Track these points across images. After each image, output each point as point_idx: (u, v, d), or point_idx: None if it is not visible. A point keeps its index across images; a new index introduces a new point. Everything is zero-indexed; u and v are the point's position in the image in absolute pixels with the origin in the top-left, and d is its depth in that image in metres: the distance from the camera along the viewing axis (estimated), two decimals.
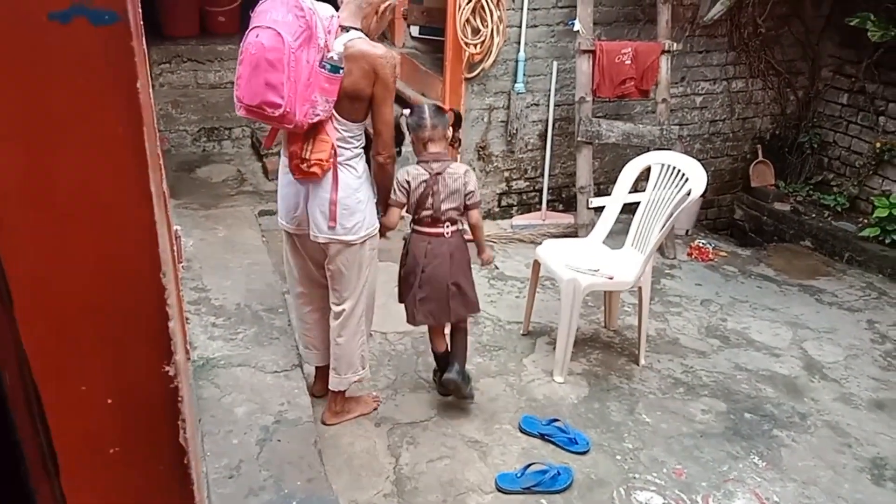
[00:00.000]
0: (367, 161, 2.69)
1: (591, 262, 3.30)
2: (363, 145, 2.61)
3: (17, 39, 0.56)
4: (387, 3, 2.55)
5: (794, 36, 5.16)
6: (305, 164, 2.45)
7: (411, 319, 2.98)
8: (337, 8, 2.51)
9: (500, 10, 4.19)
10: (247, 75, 2.29)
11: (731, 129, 5.33)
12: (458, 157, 3.49)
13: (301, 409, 2.86)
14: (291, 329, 3.41)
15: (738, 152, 5.45)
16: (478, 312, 3.10)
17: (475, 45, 4.24)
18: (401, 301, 3.03)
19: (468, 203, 2.86)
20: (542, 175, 4.81)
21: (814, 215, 5.07)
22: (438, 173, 2.78)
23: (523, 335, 3.63)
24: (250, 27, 2.32)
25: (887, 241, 4.54)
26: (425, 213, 2.81)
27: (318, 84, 2.32)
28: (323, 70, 2.32)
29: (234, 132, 5.63)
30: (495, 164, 4.74)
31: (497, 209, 4.88)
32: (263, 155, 5.15)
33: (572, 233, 4.59)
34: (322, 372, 2.99)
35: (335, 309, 2.76)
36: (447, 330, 3.03)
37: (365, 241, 2.65)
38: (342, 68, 2.36)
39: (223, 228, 4.32)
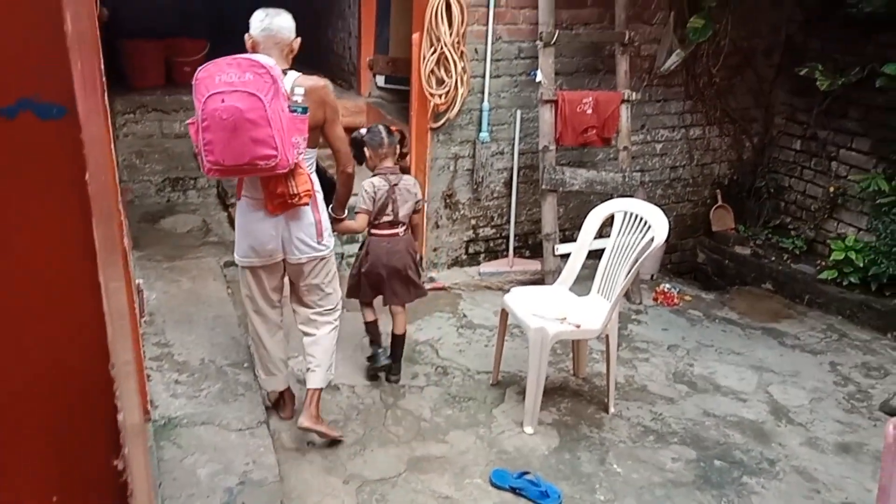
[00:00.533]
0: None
1: (558, 310, 3.31)
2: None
3: None
4: (296, 40, 2.77)
5: (748, 85, 5.35)
6: (296, 199, 2.68)
7: (386, 301, 3.50)
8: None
9: (463, 61, 4.27)
10: (224, 139, 2.43)
11: (690, 174, 5.47)
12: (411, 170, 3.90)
13: (267, 469, 2.77)
14: (257, 384, 3.34)
15: (698, 197, 5.58)
16: (426, 295, 3.68)
17: (440, 96, 4.31)
18: (353, 296, 3.50)
19: (416, 208, 3.43)
20: (508, 222, 4.85)
21: (773, 258, 5.18)
22: (395, 184, 3.31)
23: (493, 385, 3.61)
24: (206, 94, 2.43)
25: (845, 283, 4.65)
26: (385, 218, 3.33)
27: (295, 127, 2.56)
28: (295, 113, 2.56)
29: (199, 182, 5.58)
30: (462, 211, 4.77)
31: (465, 256, 4.90)
32: (229, 205, 5.10)
33: (539, 279, 4.62)
34: (287, 394, 3.21)
35: (322, 318, 3.04)
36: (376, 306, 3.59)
37: (332, 252, 2.99)
38: (307, 108, 2.62)
39: (187, 280, 4.24)
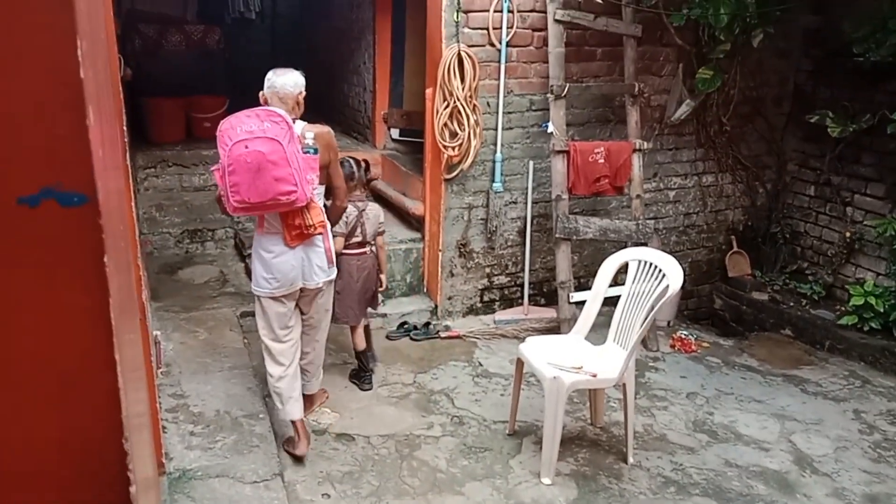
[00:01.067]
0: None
1: (574, 359, 3.29)
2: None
3: None
4: (300, 94, 3.11)
5: (759, 132, 5.39)
6: (312, 229, 3.06)
7: (354, 321, 3.91)
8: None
9: (475, 114, 4.36)
10: (248, 180, 2.81)
11: (704, 221, 5.47)
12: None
13: None
14: (272, 435, 3.33)
15: (713, 243, 5.57)
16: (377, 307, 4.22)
17: (453, 148, 4.39)
18: (342, 321, 3.90)
19: (379, 230, 3.90)
20: (522, 270, 4.87)
21: (792, 304, 5.13)
22: (363, 210, 3.78)
23: (509, 435, 3.57)
24: (231, 143, 2.81)
25: (866, 328, 4.59)
26: (355, 238, 3.78)
27: (308, 166, 2.96)
28: (308, 154, 2.97)
29: (216, 233, 5.67)
30: (476, 260, 4.80)
31: (479, 304, 4.91)
32: (246, 256, 5.17)
33: (555, 327, 4.61)
34: (300, 425, 3.32)
35: (317, 335, 3.49)
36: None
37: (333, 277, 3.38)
38: (318, 149, 3.05)
39: (204, 331, 4.28)
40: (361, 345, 3.96)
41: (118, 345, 0.63)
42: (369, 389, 3.93)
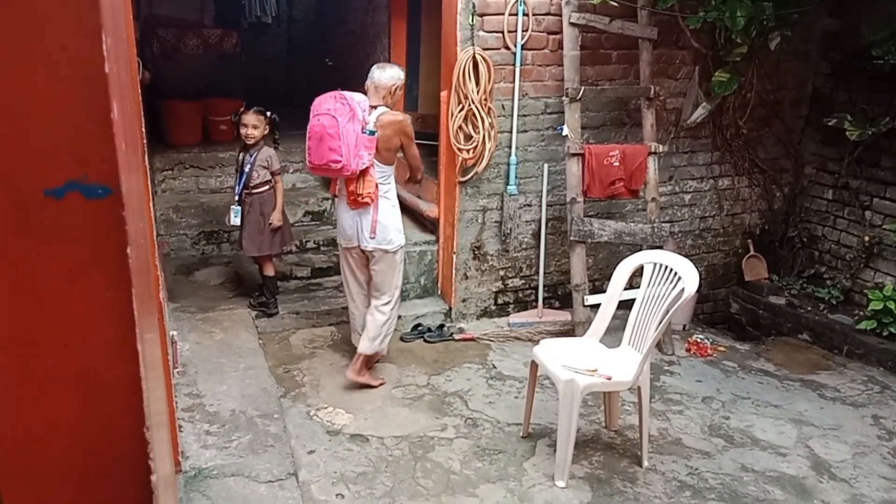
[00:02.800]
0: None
1: (588, 362, 3.28)
2: (393, 183, 3.78)
3: (12, 214, 0.60)
4: (394, 86, 3.66)
5: (776, 136, 5.35)
6: (360, 197, 3.60)
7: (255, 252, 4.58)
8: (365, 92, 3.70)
9: (490, 117, 4.37)
10: (314, 146, 3.52)
11: (721, 225, 5.44)
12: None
13: None
14: (286, 435, 3.35)
15: (729, 247, 5.53)
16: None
17: (468, 151, 4.39)
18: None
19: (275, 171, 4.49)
20: (537, 273, 4.86)
21: (809, 308, 5.08)
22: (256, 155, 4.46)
23: (523, 437, 3.56)
24: (312, 115, 3.55)
25: (885, 333, 4.54)
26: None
27: (363, 144, 3.50)
28: (364, 134, 3.50)
29: (233, 235, 5.70)
30: (490, 262, 4.80)
31: (494, 307, 4.90)
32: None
33: (569, 330, 4.59)
34: (361, 357, 3.88)
35: (375, 301, 3.87)
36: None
37: (396, 251, 3.81)
38: (376, 132, 3.56)
39: (220, 332, 4.32)
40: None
41: (140, 339, 0.64)
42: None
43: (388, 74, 3.65)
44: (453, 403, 3.85)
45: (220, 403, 3.54)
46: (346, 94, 3.51)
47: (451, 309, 4.81)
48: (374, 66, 3.69)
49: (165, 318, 3.35)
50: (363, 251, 3.79)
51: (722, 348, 4.74)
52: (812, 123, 5.36)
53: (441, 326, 4.66)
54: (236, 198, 4.48)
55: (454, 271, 4.73)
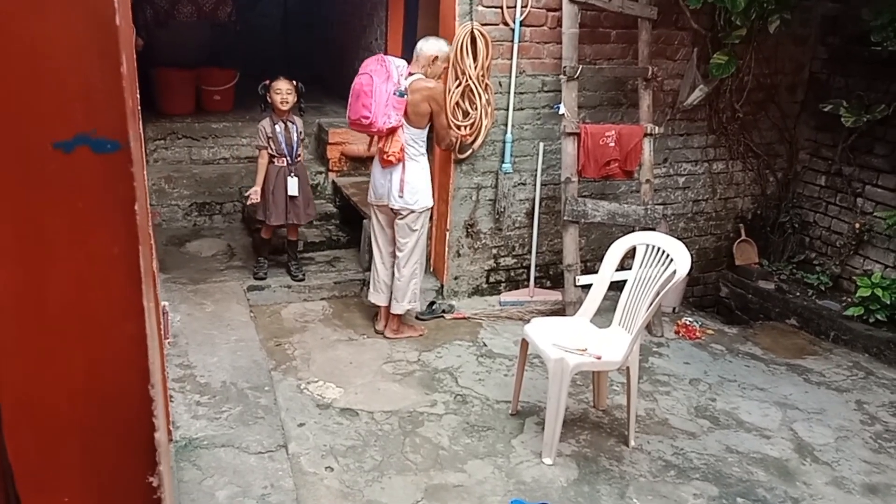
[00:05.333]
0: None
1: (578, 341, 3.30)
2: (426, 148, 4.00)
3: (21, 167, 0.59)
4: (434, 56, 3.89)
5: (771, 120, 5.35)
6: (386, 155, 3.85)
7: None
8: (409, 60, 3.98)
9: (487, 93, 4.34)
10: (353, 102, 3.80)
11: (713, 208, 5.45)
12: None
13: (284, 493, 2.78)
14: (277, 407, 3.36)
15: (721, 231, 5.55)
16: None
17: (465, 127, 4.37)
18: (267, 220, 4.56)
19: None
20: (529, 252, 4.86)
21: (798, 294, 5.13)
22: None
23: (512, 415, 3.59)
24: (358, 73, 3.82)
25: (871, 320, 4.59)
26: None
27: (392, 104, 3.74)
28: (395, 95, 3.74)
29: (225, 207, 5.68)
30: (483, 241, 4.80)
31: (485, 285, 4.91)
32: (254, 230, 5.18)
33: (560, 310, 4.61)
34: (384, 311, 4.25)
35: (399, 254, 4.09)
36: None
37: (422, 212, 4.03)
38: (406, 94, 3.79)
39: (211, 304, 4.30)
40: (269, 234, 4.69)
41: (146, 294, 0.64)
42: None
43: (429, 45, 3.89)
44: (443, 380, 3.87)
45: (210, 375, 3.54)
46: (388, 57, 3.83)
47: (442, 286, 4.81)
48: (422, 39, 3.96)
49: (158, 288, 3.33)
50: (391, 209, 4.01)
51: (710, 331, 4.78)
52: (807, 109, 5.36)
53: (432, 303, 4.67)
54: (292, 169, 4.47)
55: (447, 249, 4.73)
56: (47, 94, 0.58)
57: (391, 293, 4.18)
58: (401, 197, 3.93)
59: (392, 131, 3.80)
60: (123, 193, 0.62)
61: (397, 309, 4.17)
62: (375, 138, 3.93)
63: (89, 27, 0.56)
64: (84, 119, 0.59)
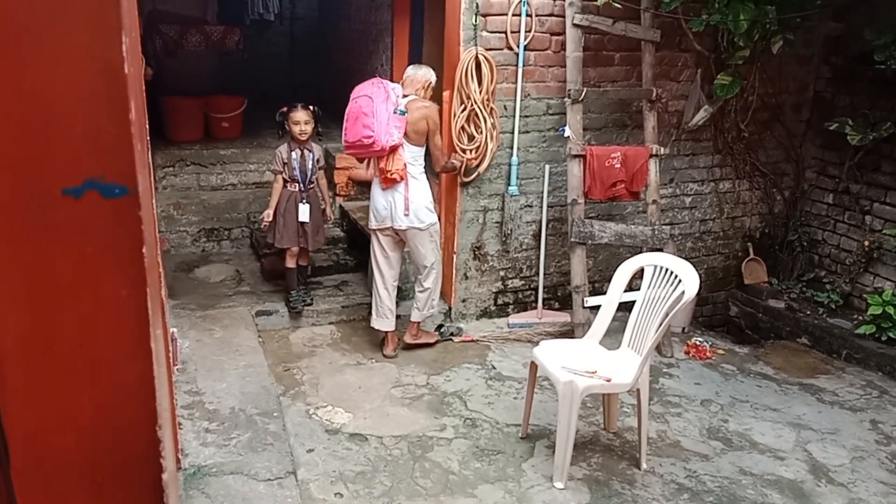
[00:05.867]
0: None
1: (588, 363, 3.28)
2: (424, 166, 4.08)
3: (32, 213, 0.60)
4: (427, 81, 4.05)
5: (777, 139, 5.35)
6: (389, 174, 3.90)
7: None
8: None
9: (493, 117, 4.37)
10: (351, 126, 3.87)
11: (721, 227, 5.44)
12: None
13: None
14: (285, 433, 3.35)
15: (729, 250, 5.54)
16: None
17: (471, 151, 4.39)
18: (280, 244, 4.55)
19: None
20: (537, 274, 4.86)
21: (808, 312, 5.09)
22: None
23: (522, 438, 3.57)
24: (351, 99, 3.92)
25: (884, 338, 4.55)
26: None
27: (394, 123, 3.84)
28: (395, 114, 3.85)
29: (233, 233, 5.71)
30: (490, 263, 4.80)
31: (493, 307, 4.91)
32: (262, 255, 5.21)
33: (569, 331, 4.60)
34: (391, 336, 4.31)
35: (420, 276, 4.23)
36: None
37: (428, 228, 4.09)
38: (405, 112, 3.90)
39: (219, 329, 4.32)
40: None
41: (153, 337, 0.64)
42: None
43: (421, 72, 4.07)
44: (452, 403, 3.85)
45: (219, 401, 3.54)
46: (382, 80, 3.97)
47: (450, 309, 4.81)
48: (410, 67, 4.15)
49: (166, 314, 3.35)
50: (396, 231, 4.08)
51: (721, 351, 4.74)
52: (813, 128, 5.37)
53: (440, 326, 4.66)
54: (304, 196, 4.47)
55: (454, 271, 4.73)
56: (57, 140, 0.59)
57: (394, 311, 4.27)
58: (406, 216, 3.99)
59: (394, 149, 3.88)
60: (132, 237, 0.63)
61: (418, 317, 4.31)
62: (374, 160, 4.00)
63: (99, 75, 0.58)
64: (93, 164, 0.60)
